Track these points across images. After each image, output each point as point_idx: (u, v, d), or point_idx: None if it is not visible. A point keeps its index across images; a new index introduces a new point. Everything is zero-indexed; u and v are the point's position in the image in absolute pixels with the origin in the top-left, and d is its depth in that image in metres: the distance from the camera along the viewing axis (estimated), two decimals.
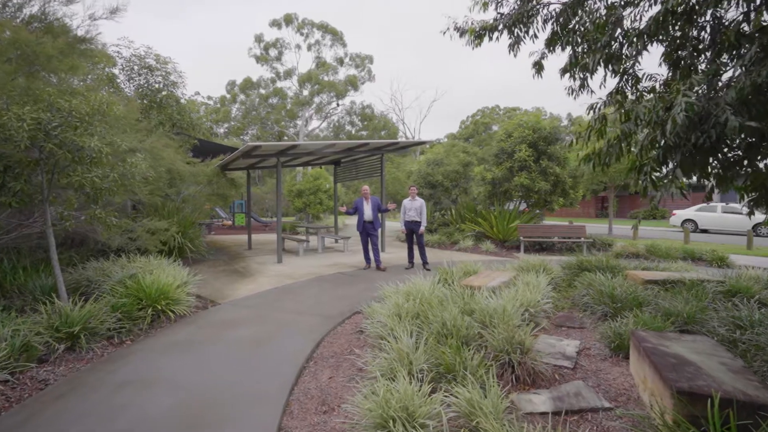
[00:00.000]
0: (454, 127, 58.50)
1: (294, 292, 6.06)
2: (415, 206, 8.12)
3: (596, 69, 3.28)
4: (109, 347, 3.78)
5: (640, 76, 3.41)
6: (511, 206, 12.44)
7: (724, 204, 18.27)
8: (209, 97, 45.93)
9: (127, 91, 10.34)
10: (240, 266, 8.51)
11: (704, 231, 18.31)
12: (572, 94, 4.14)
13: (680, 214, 19.51)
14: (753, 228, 17.10)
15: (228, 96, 43.56)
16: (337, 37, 41.95)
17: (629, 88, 3.52)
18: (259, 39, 41.46)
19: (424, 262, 8.13)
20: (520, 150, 10.95)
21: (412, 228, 8.14)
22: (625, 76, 3.49)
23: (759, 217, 17.27)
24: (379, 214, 8.22)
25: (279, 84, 42.12)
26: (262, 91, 42.30)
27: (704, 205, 19.19)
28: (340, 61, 42.02)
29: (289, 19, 41.57)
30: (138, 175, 4.68)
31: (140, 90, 10.31)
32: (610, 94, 3.65)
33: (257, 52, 41.56)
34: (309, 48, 41.80)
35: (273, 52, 41.71)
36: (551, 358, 3.25)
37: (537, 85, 73.33)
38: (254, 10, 57.78)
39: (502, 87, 72.52)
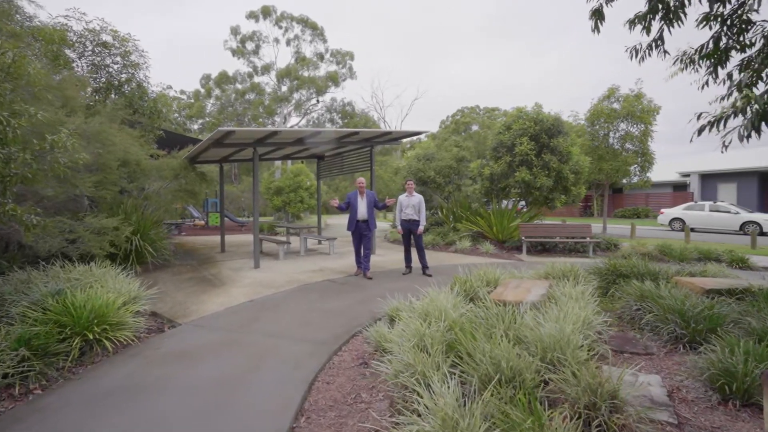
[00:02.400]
0: (435, 126, 58.08)
1: (274, 307, 4.96)
2: (412, 203, 7.14)
3: None
4: (5, 402, 2.61)
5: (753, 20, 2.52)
6: (506, 205, 11.66)
7: (711, 203, 18.10)
8: (182, 92, 43.72)
9: (79, 70, 8.93)
10: (210, 273, 7.31)
11: (691, 230, 18.08)
12: (636, 56, 3.24)
13: (668, 213, 19.28)
14: (741, 227, 17.00)
15: (202, 91, 41.53)
16: (317, 32, 40.60)
17: (731, 40, 2.64)
18: (235, 31, 39.72)
19: (424, 267, 7.16)
20: (521, 143, 10.14)
21: (409, 228, 7.16)
22: (726, 24, 2.61)
23: (745, 216, 17.18)
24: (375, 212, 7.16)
25: (256, 79, 40.47)
26: (239, 86, 40.56)
27: (692, 203, 19.02)
28: (321, 57, 40.72)
29: (267, 12, 39.96)
30: (65, 158, 3.49)
31: (93, 68, 8.92)
32: (702, 46, 2.78)
33: (233, 45, 39.82)
34: (288, 43, 40.35)
35: (250, 46, 40.06)
36: (639, 407, 2.31)
37: (515, 87, 73.91)
38: (230, 1, 55.50)
39: (481, 88, 72.67)
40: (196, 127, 41.50)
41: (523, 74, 78.38)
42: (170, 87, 44.26)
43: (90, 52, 8.85)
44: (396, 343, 2.91)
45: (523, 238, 9.70)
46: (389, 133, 8.75)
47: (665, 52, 3.11)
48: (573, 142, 10.61)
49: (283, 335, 3.91)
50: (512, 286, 4.05)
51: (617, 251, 9.68)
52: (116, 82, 9.32)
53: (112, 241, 5.93)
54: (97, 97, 9.17)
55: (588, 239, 9.72)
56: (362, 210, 6.80)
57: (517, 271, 5.81)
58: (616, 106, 14.98)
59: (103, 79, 9.26)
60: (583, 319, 3.25)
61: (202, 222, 20.26)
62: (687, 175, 27.59)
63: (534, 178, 10.12)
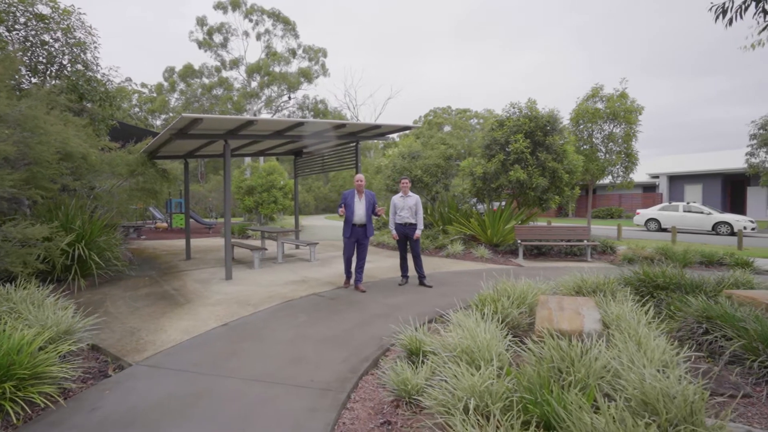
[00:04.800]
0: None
1: (255, 335, 3.99)
2: (408, 204, 6.32)
3: None
4: None
5: None
6: (499, 206, 11.10)
7: (685, 203, 18.43)
8: (143, 85, 41.09)
9: (9, 47, 7.52)
10: (173, 287, 6.19)
11: (664, 230, 18.36)
12: (722, 17, 2.57)
13: (644, 213, 19.54)
14: (713, 227, 17.36)
15: (166, 84, 39.12)
16: (289, 27, 39.11)
17: None
18: (201, 22, 37.65)
19: (421, 276, 6.35)
20: (516, 140, 9.55)
21: (406, 232, 6.34)
22: None
23: (717, 216, 17.55)
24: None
25: (225, 74, 38.58)
26: (206, 81, 38.52)
27: (666, 204, 19.33)
28: (293, 53, 39.30)
29: (236, 3, 38.11)
30: None
31: (28, 45, 7.53)
32: None
33: (199, 36, 37.74)
34: (258, 37, 38.71)
35: (218, 38, 38.13)
36: None
37: (483, 89, 74.91)
38: None
39: (453, 89, 73.16)
40: (158, 122, 39.09)
41: (495, 77, 79.62)
42: (129, 79, 41.42)
43: (22, 26, 7.45)
44: (439, 403, 2.06)
45: (519, 241, 9.11)
46: (378, 126, 7.90)
47: (765, 11, 2.47)
48: (567, 140, 10.15)
49: (271, 379, 2.98)
50: (554, 307, 3.32)
51: (615, 255, 9.29)
52: (57, 64, 7.96)
53: (45, 255, 4.76)
54: (33, 80, 7.79)
55: (585, 242, 9.27)
56: (360, 212, 5.87)
57: (532, 281, 5.09)
58: (600, 105, 14.83)
59: (42, 59, 7.88)
60: (664, 353, 2.54)
61: (165, 224, 18.63)
62: (656, 176, 28.37)
63: (529, 177, 9.56)
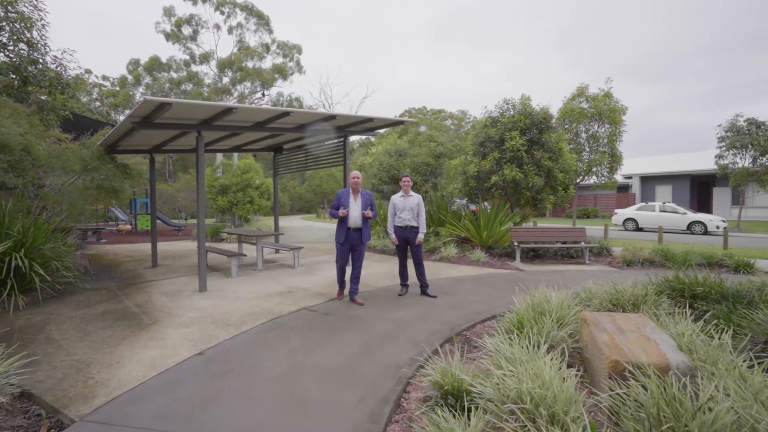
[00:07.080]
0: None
1: (240, 367, 3.22)
2: (409, 205, 5.66)
3: None
4: None
5: None
6: (485, 207, 10.66)
7: (661, 203, 18.73)
8: (105, 77, 38.59)
9: None
10: (136, 302, 5.27)
11: (640, 229, 18.62)
12: None
13: (622, 213, 19.76)
14: (687, 226, 17.69)
15: (130, 77, 36.86)
16: (263, 21, 37.70)
17: None
18: (169, 12, 35.71)
19: (424, 285, 5.71)
20: (511, 138, 9.09)
21: (406, 237, 5.68)
22: None
23: (691, 216, 17.91)
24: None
25: (194, 68, 36.80)
26: (174, 75, 36.59)
27: (644, 204, 19.61)
28: (266, 48, 37.93)
29: None
30: None
31: None
32: None
33: (167, 27, 35.80)
34: (230, 31, 37.15)
35: (187, 30, 36.29)
36: None
37: (458, 91, 75.57)
38: None
39: (426, 89, 73.40)
40: (122, 118, 36.73)
41: (470, 79, 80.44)
42: (89, 71, 38.69)
43: None
44: None
45: (516, 243, 8.64)
46: (371, 119, 7.22)
47: None
48: (560, 137, 9.81)
49: None
50: (609, 328, 2.74)
51: (612, 257, 8.99)
52: None
53: None
54: None
55: (583, 243, 8.92)
56: (355, 215, 5.13)
57: (547, 288, 4.54)
58: (584, 105, 14.75)
59: None
60: None
61: (129, 226, 17.18)
62: (629, 177, 29.04)
63: (525, 176, 9.12)
